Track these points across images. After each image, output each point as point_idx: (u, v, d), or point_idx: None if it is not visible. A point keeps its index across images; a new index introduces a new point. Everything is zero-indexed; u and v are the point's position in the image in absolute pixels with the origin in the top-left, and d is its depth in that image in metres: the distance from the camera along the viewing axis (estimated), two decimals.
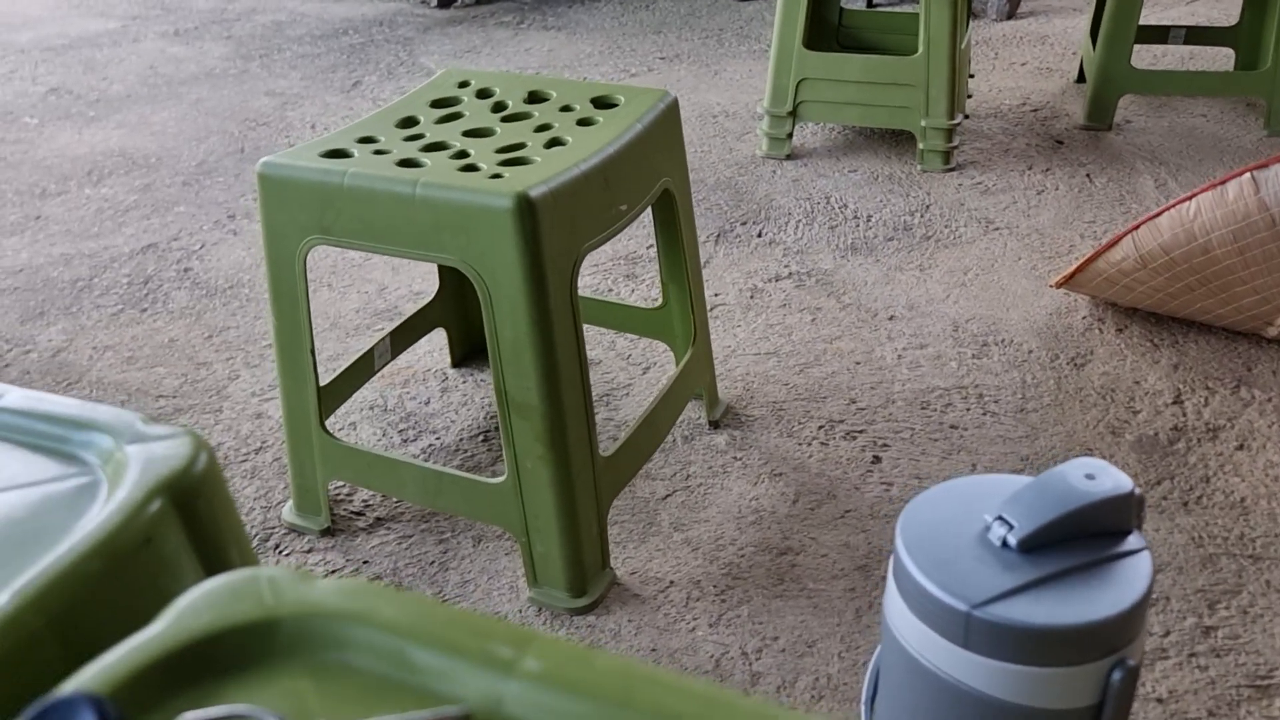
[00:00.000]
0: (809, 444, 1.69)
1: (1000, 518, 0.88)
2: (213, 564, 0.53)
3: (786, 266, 2.22)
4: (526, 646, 0.38)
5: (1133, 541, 0.88)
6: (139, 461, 0.53)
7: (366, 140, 1.40)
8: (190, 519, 0.52)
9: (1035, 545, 0.87)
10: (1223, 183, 1.64)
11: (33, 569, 0.47)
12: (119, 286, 2.25)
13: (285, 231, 1.35)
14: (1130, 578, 0.85)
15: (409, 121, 1.47)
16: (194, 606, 0.41)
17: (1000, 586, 0.84)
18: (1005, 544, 0.87)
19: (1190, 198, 1.68)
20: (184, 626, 0.40)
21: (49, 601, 0.46)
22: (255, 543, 1.54)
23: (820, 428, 1.73)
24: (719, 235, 2.36)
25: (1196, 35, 3.02)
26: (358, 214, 1.28)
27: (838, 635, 1.34)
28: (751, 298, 2.11)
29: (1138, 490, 0.89)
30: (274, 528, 1.57)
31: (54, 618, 0.45)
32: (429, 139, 1.40)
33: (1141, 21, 2.71)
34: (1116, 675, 0.83)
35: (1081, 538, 0.87)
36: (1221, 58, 3.07)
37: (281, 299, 1.40)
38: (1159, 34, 3.01)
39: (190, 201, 2.64)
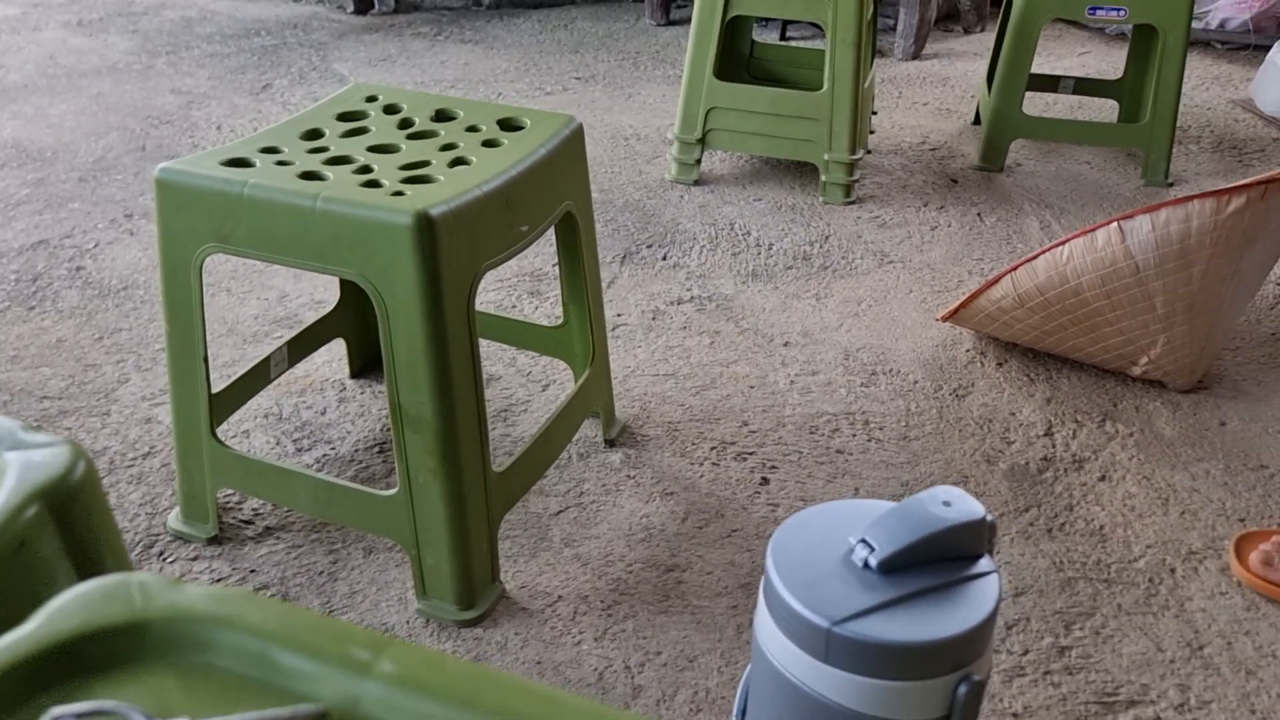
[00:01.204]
0: (701, 464, 1.74)
1: (864, 540, 0.94)
2: (88, 571, 0.54)
3: (689, 290, 2.27)
4: (383, 650, 0.40)
5: (983, 565, 0.94)
6: (16, 468, 0.54)
7: (269, 150, 1.40)
8: (66, 526, 0.54)
9: (894, 567, 0.92)
10: (1093, 230, 1.75)
11: None
12: (6, 283, 2.19)
13: (182, 239, 1.34)
14: (978, 599, 0.91)
15: (314, 134, 1.47)
16: (65, 609, 0.42)
17: (859, 605, 0.89)
18: (867, 565, 0.93)
19: (1064, 242, 1.78)
20: (55, 627, 0.41)
21: None
22: (139, 549, 1.52)
23: (713, 448, 1.78)
24: (625, 256, 2.40)
25: (1084, 86, 3.18)
26: (257, 225, 1.29)
27: (718, 651, 1.39)
28: (653, 319, 2.16)
29: (990, 517, 0.95)
30: (159, 534, 1.55)
31: None
32: (333, 152, 1.41)
33: (1035, 69, 2.85)
34: (962, 689, 0.89)
35: (937, 560, 0.93)
36: (1106, 109, 3.25)
37: (175, 305, 1.39)
38: (1050, 82, 3.17)
39: (86, 199, 2.58)
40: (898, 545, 0.92)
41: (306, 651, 0.40)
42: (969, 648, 0.89)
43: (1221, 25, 3.90)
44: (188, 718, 0.39)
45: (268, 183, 1.28)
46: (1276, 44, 3.41)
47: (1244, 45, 3.90)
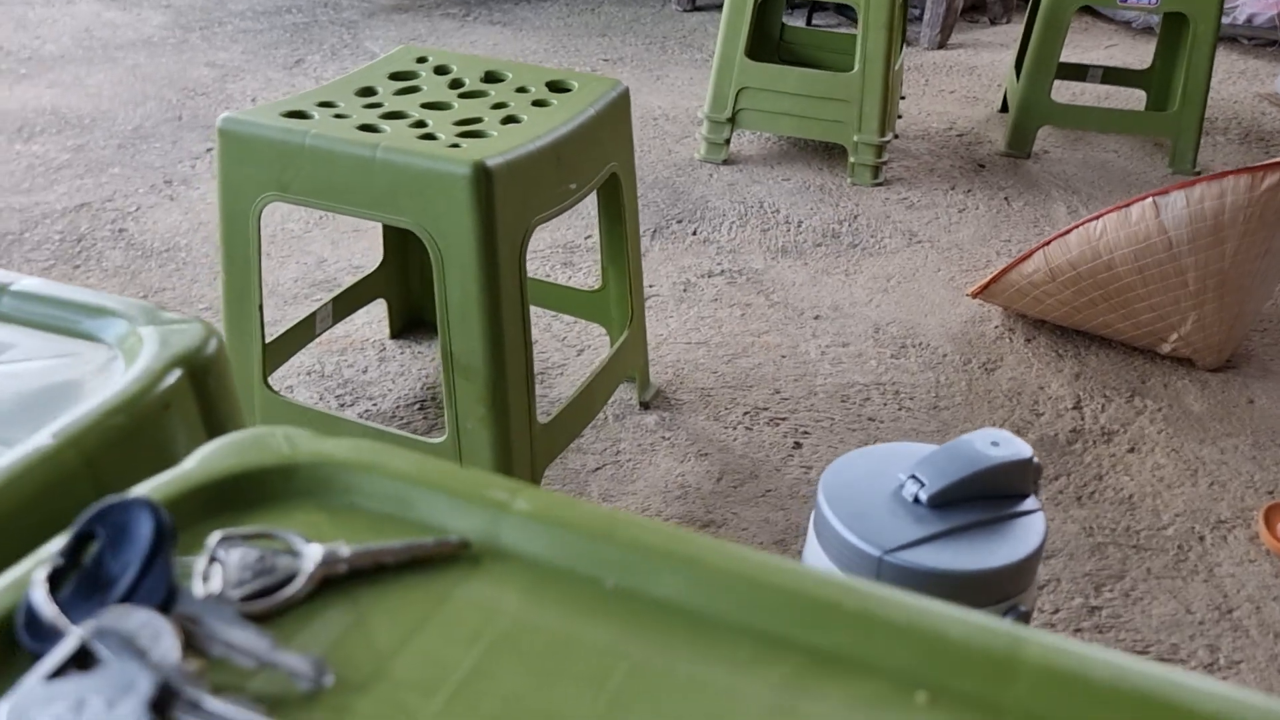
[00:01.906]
0: (734, 428, 1.77)
1: (913, 476, 0.97)
2: (218, 433, 0.57)
3: (719, 264, 2.30)
4: (518, 492, 0.43)
5: (1029, 504, 0.97)
6: (155, 339, 0.57)
7: (326, 105, 1.44)
8: (202, 393, 0.57)
9: (943, 502, 0.95)
10: (1127, 205, 1.77)
11: (68, 416, 0.51)
12: (50, 242, 2.23)
13: (242, 187, 1.38)
14: (1025, 534, 0.94)
15: (368, 91, 1.51)
16: (220, 452, 0.45)
17: (910, 536, 0.92)
18: (917, 500, 0.96)
19: (1097, 217, 1.81)
20: (211, 466, 0.45)
21: (85, 443, 0.50)
22: None
23: (745, 413, 1.81)
24: (655, 231, 2.43)
25: (1112, 75, 3.20)
26: (317, 174, 1.32)
27: None
28: (684, 291, 2.19)
29: (1036, 458, 0.98)
30: None
31: (89, 459, 0.49)
32: (387, 108, 1.44)
33: (1062, 59, 2.87)
34: (1010, 619, 0.92)
35: (984, 497, 0.96)
36: (1134, 98, 3.26)
37: (234, 253, 1.43)
38: (1078, 71, 3.19)
39: (126, 164, 2.62)
40: (947, 480, 0.95)
41: (445, 492, 0.43)
42: (1017, 579, 0.92)
43: (1249, 20, 3.91)
44: (343, 541, 0.42)
45: (329, 133, 1.32)
46: None
47: (1271, 41, 3.90)
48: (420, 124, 1.40)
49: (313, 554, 0.41)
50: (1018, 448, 0.98)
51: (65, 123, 2.84)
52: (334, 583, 0.41)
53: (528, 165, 1.33)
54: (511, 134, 1.37)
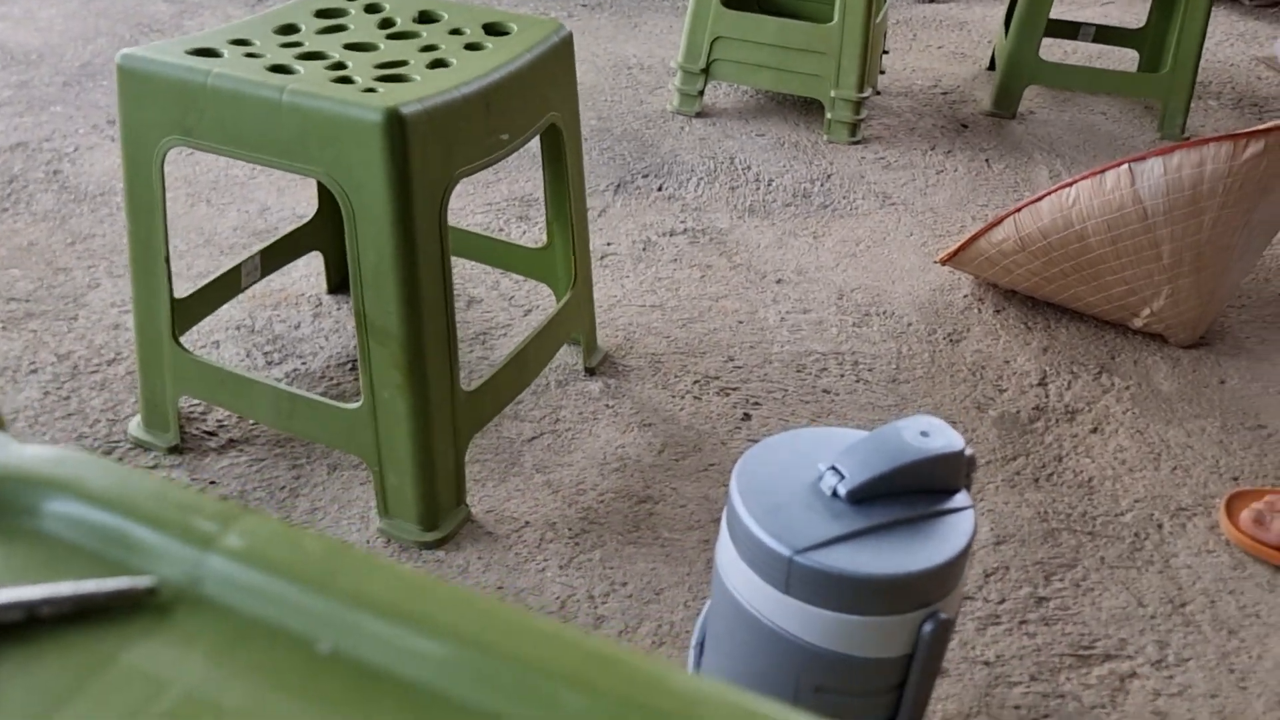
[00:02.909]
0: (682, 397, 1.69)
1: (833, 468, 0.89)
2: None
3: (682, 222, 2.20)
4: (232, 522, 0.35)
5: (959, 500, 0.89)
6: None
7: (240, 42, 1.33)
8: None
9: (864, 497, 0.87)
10: (1101, 172, 1.68)
11: None
12: None
13: (144, 130, 1.28)
14: (950, 534, 0.86)
15: (289, 29, 1.40)
16: None
17: (824, 534, 0.84)
18: (835, 494, 0.88)
19: (1070, 184, 1.71)
20: None
21: None
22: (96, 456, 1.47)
23: (695, 382, 1.72)
24: (619, 185, 2.33)
25: (1104, 34, 3.08)
26: (221, 116, 1.22)
27: (686, 584, 1.35)
28: (644, 249, 2.10)
29: (969, 450, 0.90)
30: (119, 442, 1.50)
31: None
32: (306, 48, 1.34)
33: (1054, 15, 2.75)
34: (928, 627, 0.84)
35: (910, 493, 0.88)
36: (1126, 59, 3.14)
37: (137, 201, 1.33)
38: (1070, 29, 3.07)
39: (69, 102, 2.50)
40: (869, 474, 0.87)
41: (145, 520, 0.35)
42: (937, 584, 0.84)
43: None
44: None
45: (233, 73, 1.22)
46: None
47: (1272, 2, 3.77)
48: (339, 65, 1.30)
49: None
50: (949, 439, 0.89)
51: (10, 58, 2.72)
52: None
53: (450, 113, 1.23)
54: (436, 78, 1.27)
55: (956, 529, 0.87)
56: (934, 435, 0.89)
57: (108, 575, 0.34)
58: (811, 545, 0.83)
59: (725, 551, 0.91)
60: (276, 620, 0.32)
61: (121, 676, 0.30)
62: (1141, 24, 3.06)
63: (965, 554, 0.86)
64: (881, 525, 0.85)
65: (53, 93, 2.55)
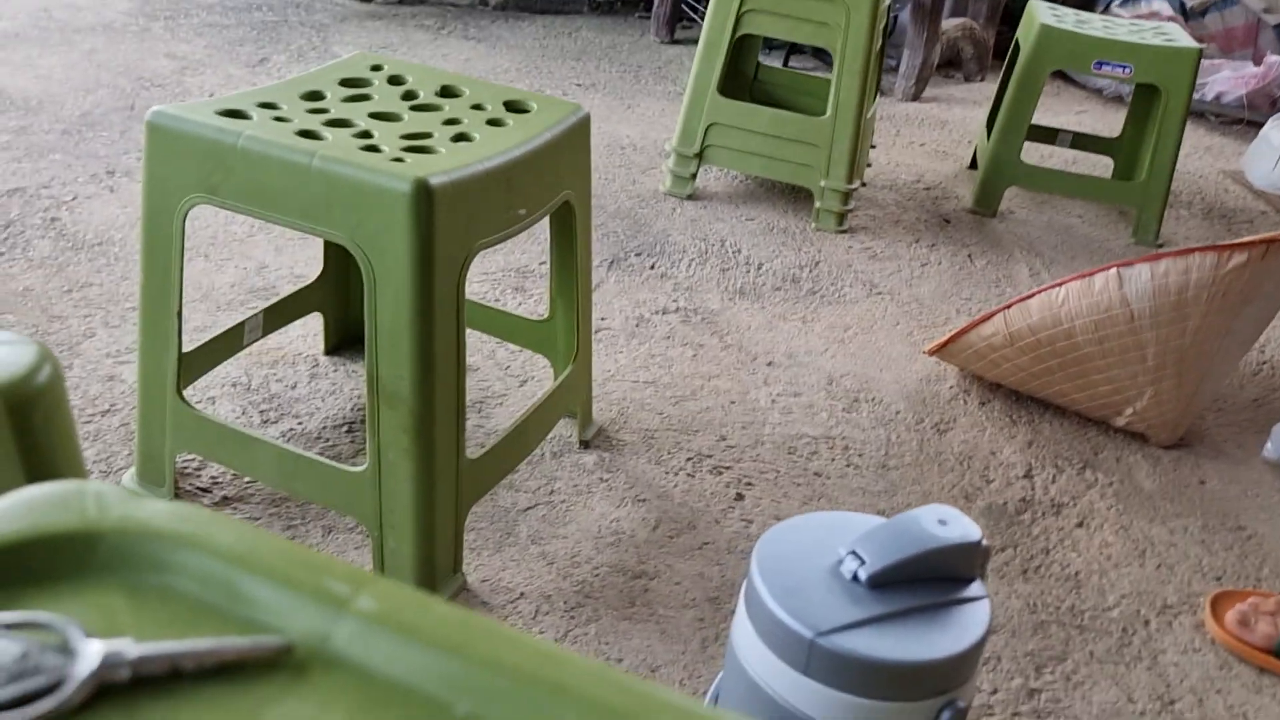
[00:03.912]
0: (676, 474, 1.70)
1: (854, 553, 0.90)
2: (41, 477, 0.49)
3: (675, 301, 2.24)
4: (363, 586, 0.36)
5: (975, 589, 0.91)
6: None
7: (267, 105, 1.36)
8: (22, 427, 0.49)
9: (883, 582, 0.89)
10: (1091, 274, 1.73)
11: None
12: None
13: (168, 186, 1.29)
14: (968, 623, 0.87)
15: (315, 95, 1.43)
16: (11, 509, 0.38)
17: (845, 618, 0.85)
18: (855, 578, 0.89)
19: (1060, 284, 1.77)
20: None
21: None
22: None
23: (689, 459, 1.74)
24: (612, 261, 2.36)
25: (1082, 141, 3.20)
26: (249, 177, 1.24)
27: (681, 663, 1.34)
28: (637, 326, 2.12)
29: (985, 541, 0.92)
30: None
31: None
32: (333, 114, 1.37)
33: (1034, 121, 2.86)
34: (946, 715, 0.85)
35: (928, 580, 0.90)
36: (1101, 165, 3.26)
37: (153, 255, 1.34)
38: (1049, 134, 3.18)
39: (68, 151, 2.51)
40: (889, 560, 0.88)
41: (275, 580, 0.36)
42: (955, 672, 0.85)
43: (1217, 98, 3.95)
44: (131, 638, 0.34)
45: (265, 135, 1.24)
46: (1270, 120, 3.45)
47: (1238, 119, 3.94)
48: (365, 134, 1.32)
49: (89, 654, 0.33)
50: (966, 529, 0.91)
51: (10, 103, 2.73)
52: (113, 691, 0.33)
53: (474, 186, 1.25)
54: (460, 152, 1.30)
55: (974, 617, 0.88)
56: (952, 524, 0.91)
57: (234, 632, 0.35)
58: (833, 628, 0.84)
59: (742, 630, 0.92)
60: (412, 683, 0.33)
61: None
62: (1116, 133, 3.19)
63: (982, 643, 0.87)
64: (902, 611, 0.87)
65: (52, 140, 2.55)
